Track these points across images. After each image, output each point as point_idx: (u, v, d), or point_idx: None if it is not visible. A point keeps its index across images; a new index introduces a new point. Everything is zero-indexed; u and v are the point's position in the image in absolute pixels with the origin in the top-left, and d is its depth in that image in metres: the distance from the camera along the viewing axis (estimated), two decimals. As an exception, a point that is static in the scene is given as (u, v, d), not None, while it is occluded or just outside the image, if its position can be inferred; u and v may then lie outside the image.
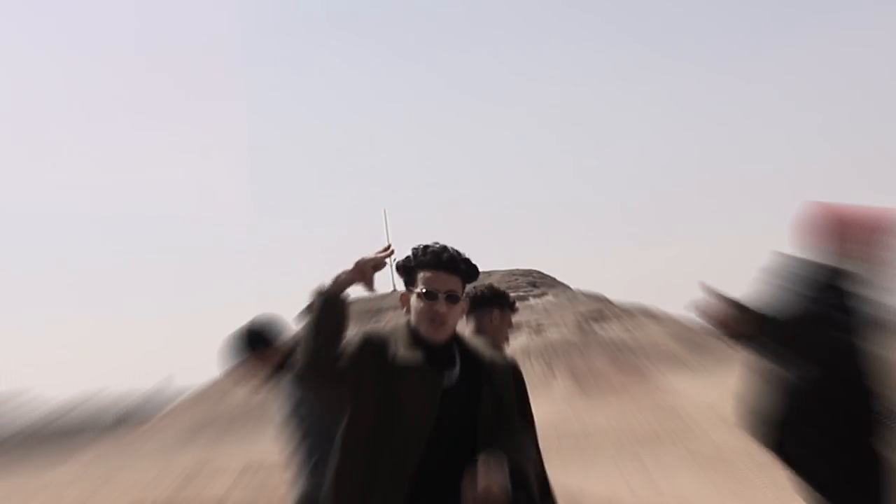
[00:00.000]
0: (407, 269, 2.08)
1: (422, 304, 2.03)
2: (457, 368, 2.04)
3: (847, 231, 2.34)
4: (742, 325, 2.41)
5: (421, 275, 2.05)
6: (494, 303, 3.12)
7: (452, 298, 2.04)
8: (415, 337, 2.04)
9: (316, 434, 2.82)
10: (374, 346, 2.01)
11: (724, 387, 14.82)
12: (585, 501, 7.86)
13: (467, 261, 2.09)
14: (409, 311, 2.09)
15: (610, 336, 21.99)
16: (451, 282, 2.04)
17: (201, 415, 22.99)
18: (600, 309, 23.62)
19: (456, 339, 2.10)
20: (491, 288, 3.15)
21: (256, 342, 3.05)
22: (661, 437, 8.98)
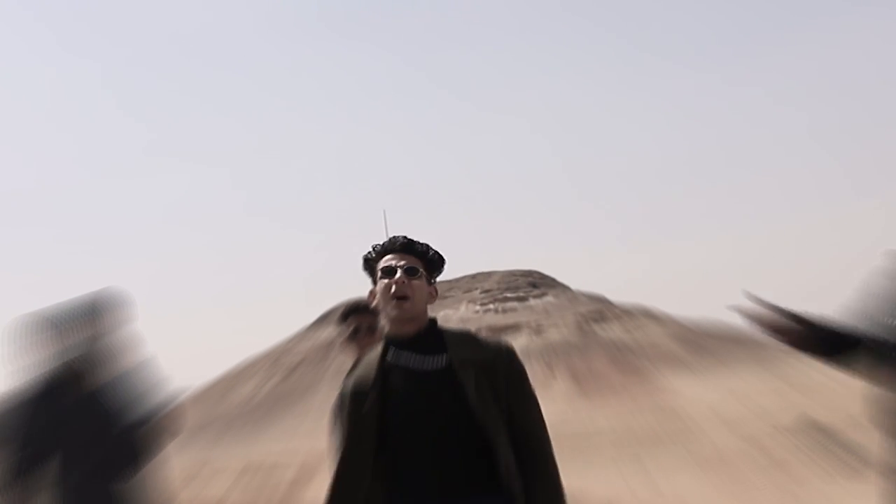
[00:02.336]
0: (370, 266, 2.05)
1: (382, 284, 1.98)
2: (444, 355, 1.95)
3: None
4: (805, 338, 2.15)
5: (380, 263, 2.02)
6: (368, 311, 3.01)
7: (411, 271, 1.97)
8: (389, 338, 2.00)
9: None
10: (351, 391, 1.97)
11: (725, 388, 14.83)
12: (585, 502, 7.85)
13: (426, 245, 2.04)
14: (379, 307, 2.02)
15: (610, 337, 21.95)
16: (409, 259, 1.99)
17: (200, 415, 22.97)
18: (601, 310, 23.59)
19: (438, 329, 2.02)
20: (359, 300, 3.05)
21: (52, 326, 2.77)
22: (661, 438, 8.98)
